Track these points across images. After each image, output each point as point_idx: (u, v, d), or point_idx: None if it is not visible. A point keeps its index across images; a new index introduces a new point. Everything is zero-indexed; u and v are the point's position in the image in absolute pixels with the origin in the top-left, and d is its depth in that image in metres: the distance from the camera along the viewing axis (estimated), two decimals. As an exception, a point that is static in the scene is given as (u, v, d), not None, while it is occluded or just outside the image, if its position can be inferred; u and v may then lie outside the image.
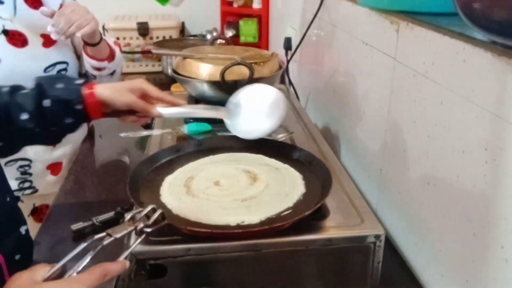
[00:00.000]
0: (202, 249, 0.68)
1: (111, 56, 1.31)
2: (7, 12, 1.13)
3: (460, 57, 0.63)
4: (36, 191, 1.26)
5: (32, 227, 0.85)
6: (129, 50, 2.10)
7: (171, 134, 1.04)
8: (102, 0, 2.13)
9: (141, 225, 0.62)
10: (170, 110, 0.84)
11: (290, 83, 1.54)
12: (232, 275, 0.71)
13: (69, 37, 1.15)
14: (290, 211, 0.73)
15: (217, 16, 2.36)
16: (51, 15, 1.12)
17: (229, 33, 2.27)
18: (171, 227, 0.67)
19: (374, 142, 0.95)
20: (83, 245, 0.59)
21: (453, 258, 0.68)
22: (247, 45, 1.77)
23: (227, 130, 0.93)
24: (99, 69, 1.29)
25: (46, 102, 0.78)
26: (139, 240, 0.62)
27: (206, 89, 1.10)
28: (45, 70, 1.19)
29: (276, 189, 0.78)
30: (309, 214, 0.69)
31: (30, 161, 1.23)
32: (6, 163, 1.18)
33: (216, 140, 0.96)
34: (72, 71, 1.27)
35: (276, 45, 1.94)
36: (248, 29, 2.19)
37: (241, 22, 2.20)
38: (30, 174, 1.24)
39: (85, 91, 0.79)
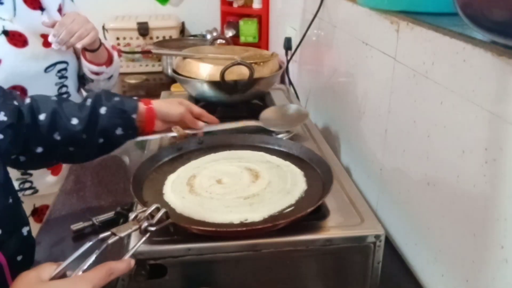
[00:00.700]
0: (202, 249, 0.68)
1: (109, 61, 1.31)
2: (7, 12, 1.14)
3: (460, 57, 0.63)
4: (36, 191, 1.26)
5: (33, 228, 0.85)
6: (129, 50, 2.10)
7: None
8: (102, 0, 2.14)
9: (145, 224, 0.63)
10: (211, 127, 0.98)
11: (290, 83, 1.54)
12: (232, 275, 0.71)
13: (70, 47, 1.18)
14: (292, 208, 0.73)
15: (217, 16, 2.36)
16: (52, 26, 1.14)
17: (229, 33, 2.27)
18: (175, 226, 0.67)
19: (374, 142, 0.95)
20: (88, 244, 0.59)
21: (453, 258, 0.68)
22: (247, 45, 1.77)
23: (227, 130, 0.95)
24: (97, 73, 1.30)
25: (102, 110, 0.86)
26: (144, 239, 0.62)
27: (206, 89, 1.10)
28: (46, 70, 1.19)
29: (278, 187, 0.78)
30: (310, 212, 0.69)
31: (30, 161, 1.23)
32: (6, 164, 1.18)
33: (217, 138, 0.97)
34: (72, 71, 1.27)
35: (276, 45, 1.94)
36: (248, 29, 2.19)
37: (241, 22, 2.20)
38: (31, 175, 1.24)
39: (141, 105, 0.88)
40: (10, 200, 0.77)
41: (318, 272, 0.73)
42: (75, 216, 0.96)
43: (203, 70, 1.10)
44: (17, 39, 1.14)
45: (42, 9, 1.21)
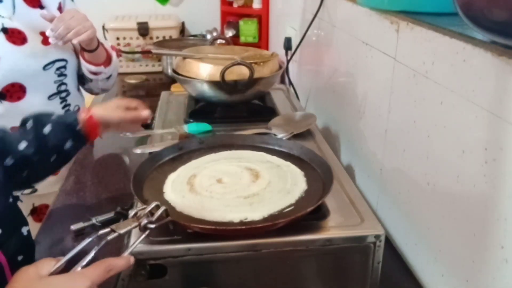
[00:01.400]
0: (202, 249, 0.68)
1: (107, 61, 1.31)
2: (6, 10, 1.14)
3: (460, 57, 0.63)
4: (35, 190, 1.26)
5: (32, 227, 0.85)
6: (129, 50, 2.10)
7: (172, 134, 1.04)
8: (102, 0, 2.14)
9: (145, 221, 0.63)
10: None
11: (290, 83, 1.54)
12: (232, 275, 0.71)
13: (66, 43, 1.17)
14: (292, 207, 0.73)
15: (217, 16, 2.36)
16: (51, 20, 1.13)
17: (229, 33, 2.27)
18: (175, 224, 0.67)
19: (374, 142, 0.95)
20: (87, 240, 0.59)
21: (453, 258, 0.68)
22: (247, 45, 1.77)
23: (227, 130, 0.94)
24: (95, 73, 1.30)
25: (47, 129, 0.87)
26: (143, 236, 0.63)
27: (206, 89, 1.10)
28: (44, 67, 1.19)
29: (278, 186, 0.78)
30: (310, 212, 0.70)
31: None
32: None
33: (217, 138, 0.97)
34: (71, 69, 1.27)
35: (276, 45, 1.94)
36: (248, 29, 2.19)
37: (241, 22, 2.20)
38: None
39: (82, 115, 0.90)
40: (11, 200, 0.77)
41: (318, 272, 0.73)
42: (75, 216, 0.96)
43: (203, 70, 1.10)
44: (16, 37, 1.14)
45: (41, 7, 1.21)
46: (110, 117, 0.93)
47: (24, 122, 0.88)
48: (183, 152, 0.92)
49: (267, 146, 0.93)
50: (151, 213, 0.64)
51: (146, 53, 2.12)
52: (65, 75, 1.26)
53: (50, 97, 1.23)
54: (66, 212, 1.02)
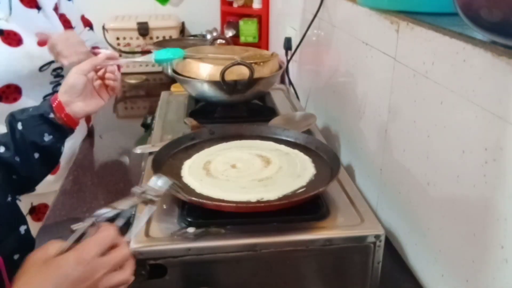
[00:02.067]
0: (202, 249, 0.68)
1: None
2: (3, 12, 1.14)
3: (460, 57, 0.63)
4: (33, 190, 1.26)
5: (31, 227, 0.85)
6: (129, 50, 2.10)
7: (172, 133, 1.04)
8: (102, 0, 2.14)
9: (150, 195, 0.63)
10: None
11: (290, 83, 1.54)
12: (232, 275, 0.71)
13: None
14: (304, 189, 0.77)
15: (217, 16, 2.36)
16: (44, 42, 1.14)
17: (229, 33, 2.26)
18: (194, 206, 0.71)
19: (374, 142, 0.95)
20: (90, 220, 0.60)
21: (453, 258, 0.68)
22: (247, 45, 1.77)
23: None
24: None
25: (19, 125, 0.84)
26: (152, 211, 0.64)
27: (206, 89, 1.10)
28: (40, 68, 1.19)
29: (289, 171, 0.82)
30: (312, 209, 0.70)
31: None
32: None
33: (227, 129, 1.00)
34: (67, 70, 1.27)
35: (276, 45, 1.94)
36: (248, 29, 2.19)
37: (241, 22, 2.20)
38: None
39: (54, 102, 0.88)
40: (9, 199, 0.77)
41: (318, 272, 0.73)
42: (75, 216, 0.96)
43: (203, 70, 1.10)
44: (11, 38, 1.14)
45: (38, 8, 1.21)
46: (74, 85, 0.90)
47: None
48: (196, 142, 0.95)
49: (275, 136, 0.97)
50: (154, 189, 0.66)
51: (146, 53, 2.11)
52: (61, 76, 1.25)
53: (46, 98, 1.23)
54: (66, 212, 1.02)
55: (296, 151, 0.90)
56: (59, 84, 1.25)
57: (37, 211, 1.30)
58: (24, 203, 1.27)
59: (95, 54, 1.22)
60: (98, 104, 0.97)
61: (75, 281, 0.53)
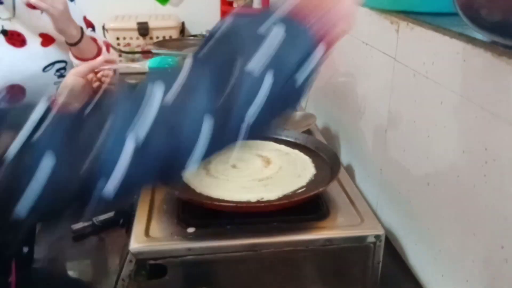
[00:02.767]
0: (202, 249, 0.68)
1: (97, 57, 1.30)
2: (7, 12, 1.14)
3: (460, 57, 0.63)
4: None
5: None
6: (129, 50, 2.10)
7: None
8: (102, 0, 2.14)
9: None
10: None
11: (290, 83, 1.54)
12: (232, 275, 0.71)
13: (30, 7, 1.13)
14: (304, 189, 0.77)
15: (217, 16, 2.36)
16: None
17: (229, 33, 2.26)
18: (196, 205, 0.71)
19: (374, 142, 0.95)
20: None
21: (453, 258, 0.68)
22: (247, 45, 1.77)
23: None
24: None
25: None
26: None
27: (206, 89, 1.10)
28: (44, 69, 1.19)
29: (289, 171, 0.83)
30: (313, 208, 0.70)
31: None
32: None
33: None
34: (68, 68, 1.27)
35: (276, 45, 1.93)
36: (248, 29, 2.19)
37: (241, 22, 2.20)
38: None
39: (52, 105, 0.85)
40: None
41: (318, 272, 0.73)
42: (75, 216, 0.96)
43: (203, 70, 1.10)
44: (15, 39, 1.14)
45: None
46: (74, 88, 0.91)
47: None
48: None
49: (275, 136, 0.97)
50: None
51: (146, 53, 2.11)
52: (64, 77, 1.26)
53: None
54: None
55: (296, 151, 0.91)
56: None
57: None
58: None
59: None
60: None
61: None
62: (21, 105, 0.56)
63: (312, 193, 0.73)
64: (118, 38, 2.09)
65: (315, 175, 0.82)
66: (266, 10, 0.57)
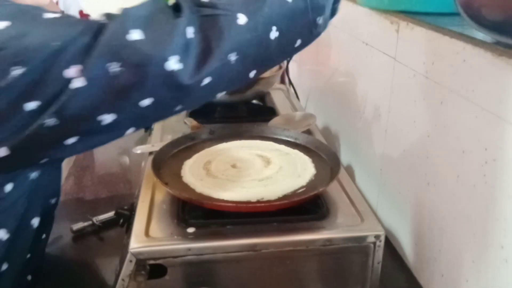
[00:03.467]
0: (202, 249, 0.68)
1: None
2: None
3: (460, 57, 0.63)
4: None
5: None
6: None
7: (172, 133, 1.04)
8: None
9: None
10: None
11: (290, 83, 1.54)
12: (232, 275, 0.71)
13: None
14: (304, 189, 0.77)
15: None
16: None
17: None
18: (196, 205, 0.71)
19: (374, 142, 0.95)
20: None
21: (453, 258, 0.68)
22: (247, 45, 1.77)
23: (228, 130, 0.96)
24: None
25: None
26: None
27: (206, 89, 1.10)
28: None
29: (289, 171, 0.82)
30: (313, 207, 0.70)
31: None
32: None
33: (227, 129, 1.01)
34: None
35: (276, 45, 1.93)
36: (248, 29, 2.19)
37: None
38: None
39: None
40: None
41: (318, 272, 0.73)
42: (75, 216, 0.96)
43: (203, 70, 1.10)
44: None
45: None
46: None
47: None
48: (196, 142, 0.96)
49: (275, 136, 0.98)
50: None
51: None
52: None
53: None
54: (66, 212, 1.02)
55: (296, 151, 0.91)
56: None
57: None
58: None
59: None
60: None
61: None
62: None
63: (312, 193, 0.73)
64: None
65: (315, 175, 0.82)
66: None
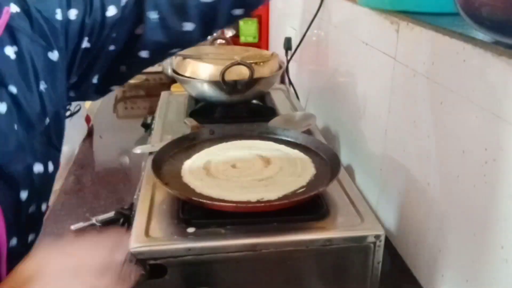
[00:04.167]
0: (202, 249, 0.68)
1: None
2: None
3: (460, 57, 0.63)
4: None
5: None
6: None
7: (172, 133, 1.04)
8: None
9: None
10: None
11: (290, 83, 1.54)
12: (232, 275, 0.71)
13: None
14: (304, 189, 0.77)
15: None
16: None
17: (229, 33, 2.26)
18: (196, 205, 0.71)
19: (374, 142, 0.95)
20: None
21: (453, 258, 0.68)
22: (247, 45, 1.77)
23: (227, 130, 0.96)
24: None
25: None
26: None
27: (206, 89, 1.10)
28: None
29: (289, 171, 0.82)
30: (313, 208, 0.70)
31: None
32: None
33: (227, 129, 1.00)
34: None
35: (276, 45, 1.94)
36: (248, 29, 2.19)
37: (241, 22, 2.20)
38: None
39: None
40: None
41: (318, 272, 0.73)
42: (75, 216, 0.96)
43: (203, 70, 1.10)
44: None
45: None
46: None
47: None
48: (195, 142, 0.95)
49: (275, 136, 0.97)
50: None
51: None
52: None
53: None
54: (66, 212, 1.02)
55: (296, 151, 0.90)
56: None
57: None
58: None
59: None
60: None
61: None
62: None
63: (312, 193, 0.73)
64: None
65: (315, 175, 0.82)
66: None
